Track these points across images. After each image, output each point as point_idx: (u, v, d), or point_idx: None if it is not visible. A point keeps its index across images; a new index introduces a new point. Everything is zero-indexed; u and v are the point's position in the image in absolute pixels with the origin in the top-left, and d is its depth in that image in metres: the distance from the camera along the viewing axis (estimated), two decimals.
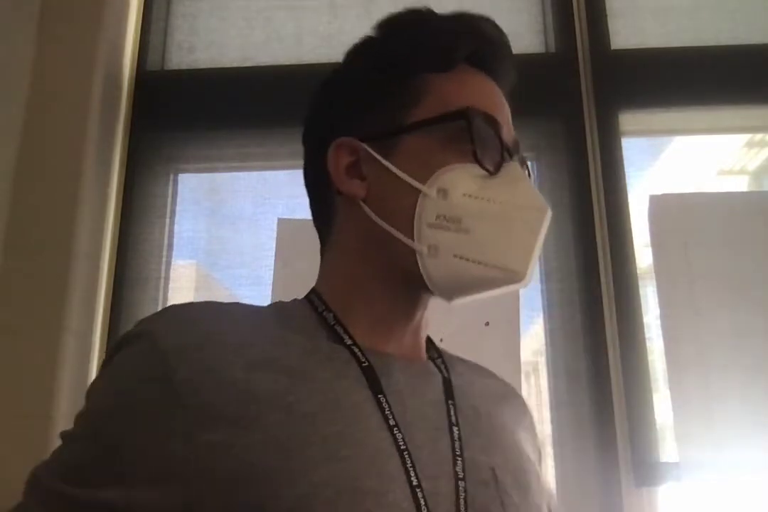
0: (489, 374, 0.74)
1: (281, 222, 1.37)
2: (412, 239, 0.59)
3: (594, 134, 1.39)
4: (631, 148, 1.40)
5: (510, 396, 0.73)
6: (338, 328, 0.61)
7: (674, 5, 1.49)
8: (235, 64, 1.50)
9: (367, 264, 0.63)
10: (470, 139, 0.59)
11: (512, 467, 0.61)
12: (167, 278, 1.40)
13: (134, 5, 1.53)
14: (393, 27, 0.67)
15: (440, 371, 0.65)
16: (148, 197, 1.43)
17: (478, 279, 0.59)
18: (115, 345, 0.58)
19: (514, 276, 0.59)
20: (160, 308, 1.36)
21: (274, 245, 1.35)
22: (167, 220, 1.42)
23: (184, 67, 1.52)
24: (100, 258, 1.35)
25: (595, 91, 1.41)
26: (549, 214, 0.60)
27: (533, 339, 1.33)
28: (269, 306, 0.66)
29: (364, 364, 0.58)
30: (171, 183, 1.46)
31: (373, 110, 0.64)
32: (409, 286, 0.62)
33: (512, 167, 0.62)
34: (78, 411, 0.58)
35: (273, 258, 1.34)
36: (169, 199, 1.44)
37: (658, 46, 1.45)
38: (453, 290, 0.61)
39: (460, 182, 0.59)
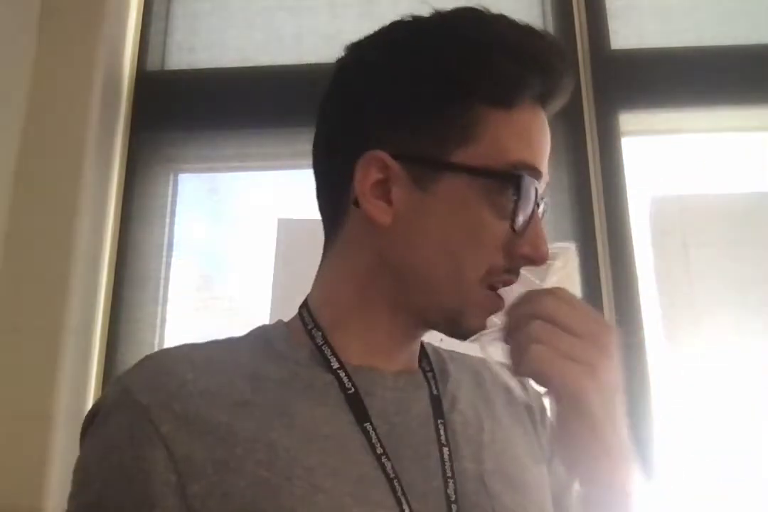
0: (478, 363, 0.71)
1: (281, 222, 1.37)
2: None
3: (594, 134, 1.39)
4: (631, 148, 1.40)
5: (505, 384, 0.69)
6: (325, 349, 0.59)
7: (674, 5, 1.49)
8: (235, 64, 1.50)
9: (371, 289, 0.60)
10: (513, 210, 0.56)
11: (504, 470, 0.60)
12: (167, 278, 1.40)
13: (134, 5, 1.53)
14: (455, 34, 0.58)
15: (429, 386, 0.63)
16: (148, 197, 1.43)
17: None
18: (95, 411, 0.56)
19: None
20: (160, 308, 1.38)
21: (274, 245, 1.36)
22: (167, 220, 1.42)
23: (184, 67, 1.52)
24: (100, 259, 1.35)
25: (595, 91, 1.41)
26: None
27: None
28: (251, 332, 0.64)
29: (349, 391, 0.57)
30: (171, 183, 1.46)
31: (418, 130, 0.57)
32: (419, 320, 0.60)
33: (535, 224, 0.58)
34: (71, 491, 0.54)
35: (273, 258, 1.34)
36: (169, 199, 1.44)
37: (658, 46, 1.45)
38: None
39: None
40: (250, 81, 1.47)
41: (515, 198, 0.55)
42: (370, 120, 0.59)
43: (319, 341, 0.59)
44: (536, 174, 0.57)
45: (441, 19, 0.59)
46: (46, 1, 1.40)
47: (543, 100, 0.59)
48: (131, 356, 1.32)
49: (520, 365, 0.50)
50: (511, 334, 0.52)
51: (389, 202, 0.57)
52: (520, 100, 0.57)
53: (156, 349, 1.33)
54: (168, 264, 1.40)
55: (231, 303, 1.42)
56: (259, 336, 0.62)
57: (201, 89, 1.48)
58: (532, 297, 0.52)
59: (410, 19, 0.60)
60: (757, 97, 1.40)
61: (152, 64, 1.52)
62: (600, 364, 0.49)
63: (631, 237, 1.33)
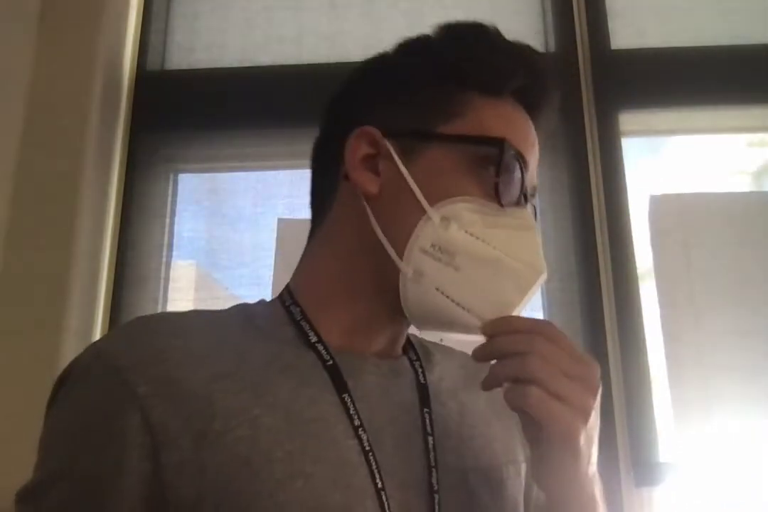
0: (463, 358, 0.70)
1: (281, 222, 1.38)
2: (401, 258, 0.56)
3: (594, 134, 1.39)
4: (631, 148, 1.40)
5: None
6: (304, 324, 0.59)
7: (674, 5, 1.49)
8: (235, 64, 1.50)
9: (356, 266, 0.60)
10: (496, 171, 0.57)
11: (484, 465, 0.61)
12: (167, 278, 1.39)
13: (134, 5, 1.53)
14: (456, 35, 0.64)
15: (417, 374, 0.63)
16: (148, 197, 1.43)
17: (449, 319, 0.56)
18: (66, 374, 0.54)
19: None
20: (160, 308, 1.37)
21: (274, 245, 1.35)
22: (167, 220, 1.42)
23: (184, 67, 1.52)
24: (100, 259, 1.35)
25: (595, 90, 1.42)
26: (544, 277, 0.57)
27: None
28: (232, 308, 0.64)
29: (328, 363, 0.56)
30: (171, 183, 1.46)
31: (408, 107, 0.61)
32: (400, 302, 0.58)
33: (525, 214, 0.59)
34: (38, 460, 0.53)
35: (273, 258, 1.34)
36: (169, 199, 1.44)
37: (658, 46, 1.45)
38: (423, 320, 0.59)
39: (467, 216, 0.56)
40: (250, 81, 1.47)
41: (496, 168, 0.57)
42: (367, 97, 0.64)
43: (297, 316, 0.60)
44: (521, 159, 0.59)
45: (447, 28, 0.65)
46: (46, 1, 1.40)
47: (525, 101, 0.63)
48: None
49: (512, 399, 0.51)
50: (495, 357, 0.53)
51: (377, 173, 0.59)
52: (504, 90, 0.62)
53: None
54: (168, 264, 1.40)
55: (231, 303, 1.42)
56: (241, 312, 0.62)
57: (201, 89, 1.48)
58: (520, 329, 0.53)
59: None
60: (757, 97, 1.40)
61: (152, 64, 1.51)
62: (589, 406, 0.52)
63: (631, 236, 1.33)
